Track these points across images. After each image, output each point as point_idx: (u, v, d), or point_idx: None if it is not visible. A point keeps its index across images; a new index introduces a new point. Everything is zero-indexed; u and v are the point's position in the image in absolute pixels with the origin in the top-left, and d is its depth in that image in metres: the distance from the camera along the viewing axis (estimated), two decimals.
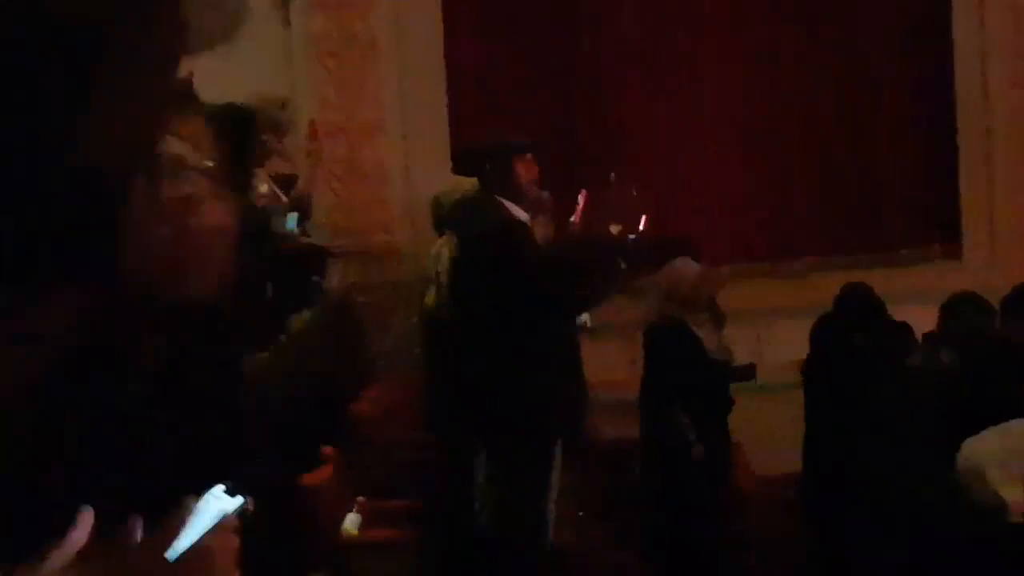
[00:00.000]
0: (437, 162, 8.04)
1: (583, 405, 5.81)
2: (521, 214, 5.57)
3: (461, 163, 6.53)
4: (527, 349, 5.37)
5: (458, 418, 5.73)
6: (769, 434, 7.29)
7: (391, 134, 8.46)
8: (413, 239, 8.18)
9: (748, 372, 6.89)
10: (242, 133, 5.46)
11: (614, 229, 5.77)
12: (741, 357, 7.14)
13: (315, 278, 6.56)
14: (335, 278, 7.72)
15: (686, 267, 6.83)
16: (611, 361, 7.73)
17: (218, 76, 6.87)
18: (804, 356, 7.17)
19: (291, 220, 6.51)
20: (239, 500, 1.83)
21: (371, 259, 8.38)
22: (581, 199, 5.83)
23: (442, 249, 6.41)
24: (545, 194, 5.84)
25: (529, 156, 5.63)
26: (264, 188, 6.30)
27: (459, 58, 8.75)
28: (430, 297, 6.54)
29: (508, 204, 5.57)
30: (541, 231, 6.06)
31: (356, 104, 8.40)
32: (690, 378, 6.41)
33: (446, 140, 8.46)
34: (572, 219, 5.88)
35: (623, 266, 5.56)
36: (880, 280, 7.64)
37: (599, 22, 9.10)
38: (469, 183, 6.07)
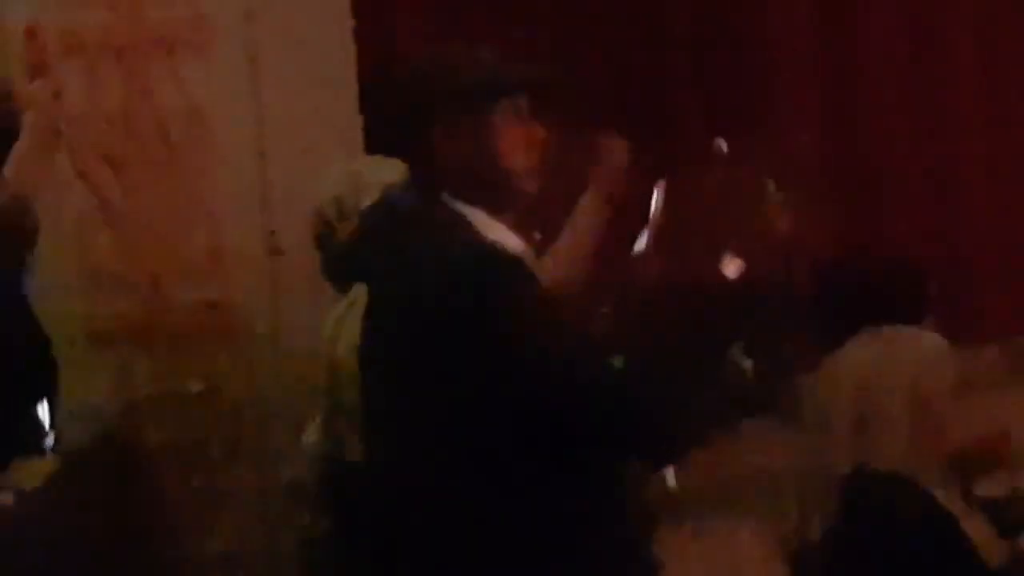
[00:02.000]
0: (326, 114, 5.13)
1: None
2: (509, 237, 3.25)
3: (380, 124, 4.34)
4: (547, 546, 3.21)
5: None
6: None
7: (220, 53, 5.13)
8: (274, 301, 5.06)
9: None
10: None
11: (730, 269, 3.33)
12: None
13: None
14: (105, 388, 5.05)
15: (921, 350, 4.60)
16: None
17: None
18: None
19: None
20: None
21: (183, 339, 5.13)
22: (655, 195, 3.48)
23: (343, 327, 4.08)
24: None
25: (523, 103, 3.27)
26: None
27: None
28: (313, 430, 4.30)
29: (479, 216, 3.23)
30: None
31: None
32: None
33: (347, 66, 5.26)
34: (637, 245, 3.59)
35: (747, 366, 3.32)
36: None
37: None
38: (393, 170, 3.82)
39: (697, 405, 3.37)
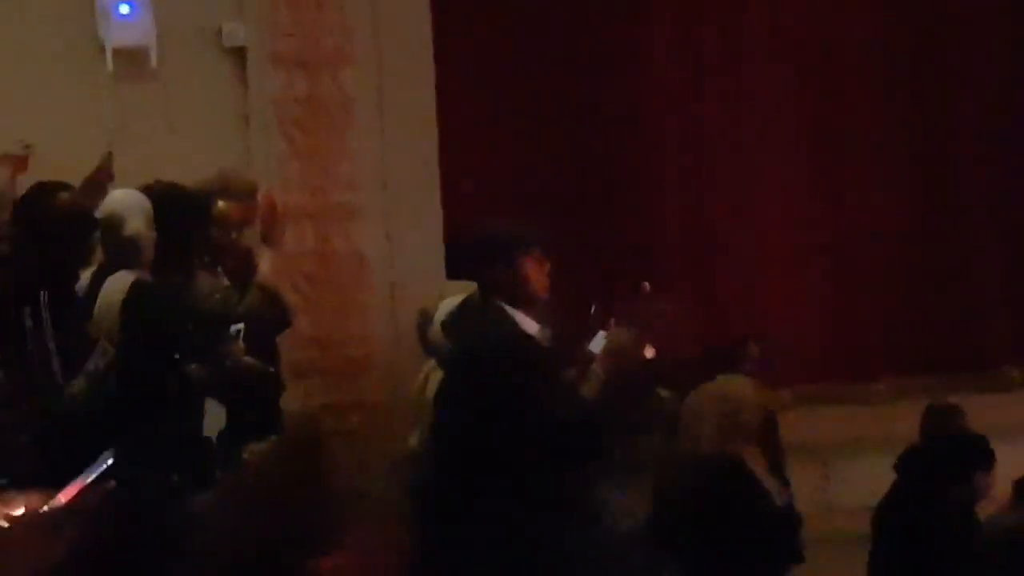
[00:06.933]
0: (427, 257, 7.01)
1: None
2: (531, 326, 4.70)
3: (456, 262, 5.98)
4: (542, 511, 4.51)
5: None
6: None
7: (370, 222, 7.05)
8: (397, 354, 6.80)
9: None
10: (186, 221, 5.21)
11: (649, 353, 4.89)
12: (803, 501, 5.84)
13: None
14: (299, 399, 6.51)
15: (738, 386, 5.47)
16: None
17: (163, 148, 6.52)
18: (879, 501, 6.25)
19: (233, 332, 5.51)
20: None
21: (344, 376, 6.99)
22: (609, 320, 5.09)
23: (431, 374, 5.51)
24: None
25: (538, 252, 4.76)
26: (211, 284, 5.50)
27: (455, 126, 7.39)
28: (415, 438, 5.57)
29: (515, 313, 4.69)
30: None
31: (326, 184, 6.96)
32: (747, 537, 4.81)
33: (438, 230, 7.19)
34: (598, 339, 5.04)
35: (665, 397, 5.12)
36: (973, 410, 6.79)
37: (629, 82, 8.17)
38: (464, 290, 5.28)
39: (634, 420, 4.82)
